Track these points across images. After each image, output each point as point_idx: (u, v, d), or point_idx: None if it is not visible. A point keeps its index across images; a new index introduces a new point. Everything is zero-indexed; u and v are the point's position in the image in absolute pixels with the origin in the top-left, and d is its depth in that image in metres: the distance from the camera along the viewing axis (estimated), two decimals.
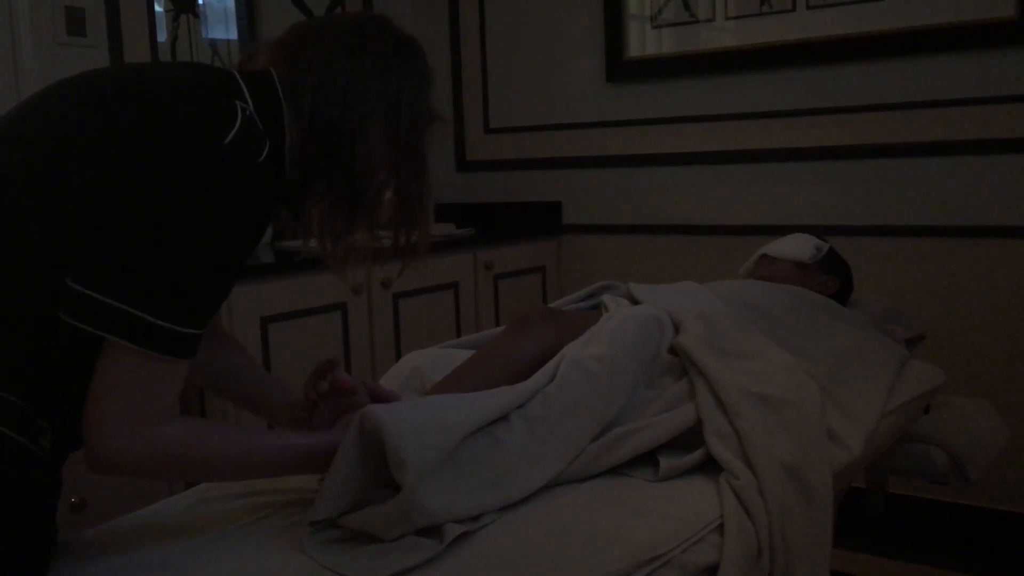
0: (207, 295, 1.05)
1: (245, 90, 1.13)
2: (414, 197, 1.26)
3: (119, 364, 1.00)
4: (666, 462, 1.41)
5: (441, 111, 1.31)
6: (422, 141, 1.26)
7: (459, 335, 2.92)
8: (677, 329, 1.63)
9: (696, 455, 1.42)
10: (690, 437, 1.46)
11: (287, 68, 1.18)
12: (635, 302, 1.78)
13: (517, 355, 1.57)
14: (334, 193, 1.21)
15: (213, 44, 3.00)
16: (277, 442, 1.18)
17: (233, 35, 3.07)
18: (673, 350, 1.59)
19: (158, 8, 2.80)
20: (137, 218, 0.99)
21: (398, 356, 2.67)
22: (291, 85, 1.16)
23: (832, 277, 2.22)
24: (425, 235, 1.29)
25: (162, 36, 2.80)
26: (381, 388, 1.39)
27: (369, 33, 1.22)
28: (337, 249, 1.24)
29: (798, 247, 2.24)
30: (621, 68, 3.24)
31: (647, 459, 1.44)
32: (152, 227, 1.00)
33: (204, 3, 2.96)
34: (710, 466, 1.42)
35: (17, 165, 1.05)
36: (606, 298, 1.78)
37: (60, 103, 1.10)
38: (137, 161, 1.02)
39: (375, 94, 1.19)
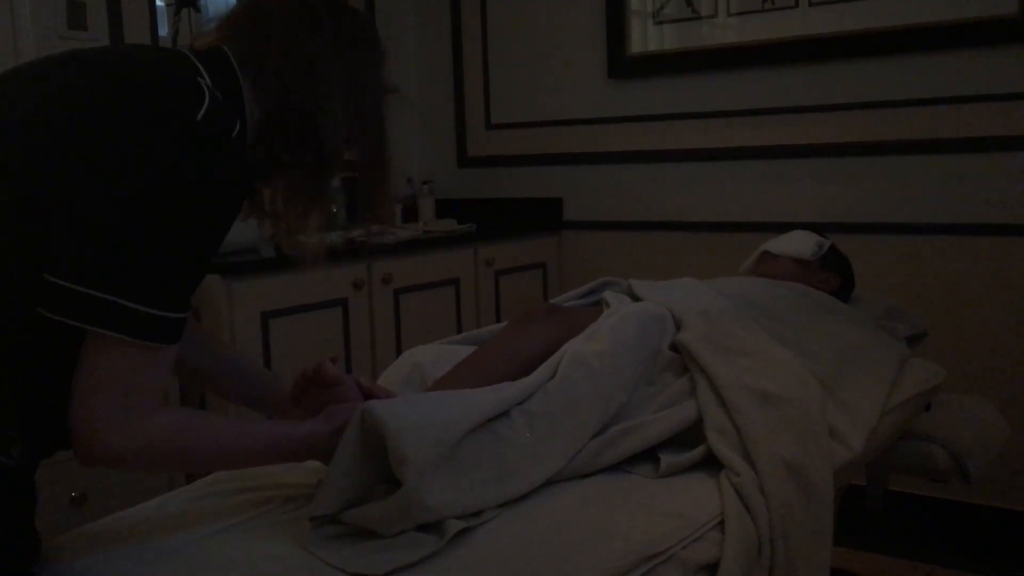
0: (186, 277, 1.04)
1: (201, 68, 1.11)
2: (377, 168, 1.26)
3: (104, 356, 0.99)
4: (667, 459, 1.41)
5: (396, 85, 1.31)
6: (382, 113, 1.26)
7: (460, 331, 2.91)
8: (678, 326, 1.62)
9: (697, 452, 1.42)
10: (691, 434, 1.46)
11: (242, 45, 1.16)
12: (636, 299, 1.77)
13: (519, 351, 1.57)
14: (301, 168, 1.19)
15: None
16: (262, 431, 1.18)
17: None
18: (674, 347, 1.59)
19: (159, 2, 2.80)
20: (111, 204, 0.98)
21: (399, 352, 2.66)
22: (249, 61, 1.15)
23: (833, 274, 2.22)
24: (388, 206, 1.30)
25: (163, 30, 2.79)
26: (377, 387, 1.38)
27: (322, 9, 1.21)
28: (301, 225, 1.22)
29: (800, 244, 2.24)
30: (623, 64, 3.24)
31: (648, 456, 1.44)
32: (127, 212, 0.98)
33: None
34: (711, 463, 1.41)
35: None
36: (607, 295, 1.78)
37: (19, 91, 1.07)
38: (107, 145, 0.99)
39: (336, 68, 1.19)
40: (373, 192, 1.27)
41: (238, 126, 1.07)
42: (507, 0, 3.50)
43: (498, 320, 3.04)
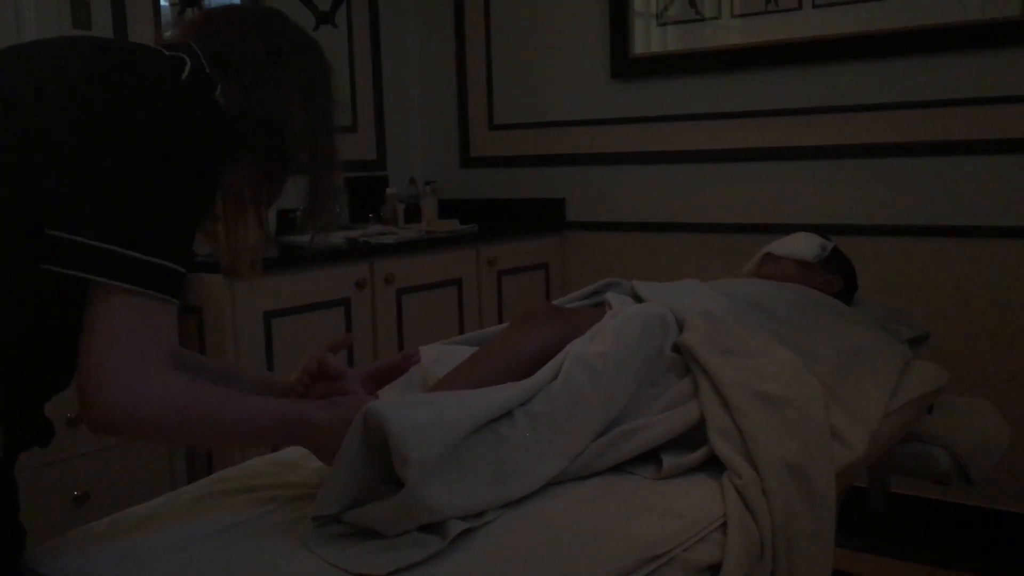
0: (183, 228, 1.06)
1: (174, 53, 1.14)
2: (325, 177, 1.27)
3: (110, 310, 0.99)
4: (669, 460, 1.41)
5: (344, 100, 1.37)
6: (332, 122, 1.28)
7: (462, 331, 2.92)
8: (681, 327, 1.62)
9: (699, 453, 1.42)
10: (693, 435, 1.45)
11: (207, 44, 1.18)
12: (639, 300, 1.77)
13: (521, 352, 1.57)
14: (262, 167, 1.22)
15: None
16: (271, 406, 1.17)
17: None
18: (677, 348, 1.59)
19: (163, 1, 2.80)
20: (108, 157, 1.00)
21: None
22: (216, 58, 1.17)
23: (836, 276, 2.22)
24: (332, 213, 1.31)
25: (166, 29, 2.80)
26: (398, 359, 1.40)
27: (277, 22, 1.26)
28: (242, 232, 1.25)
29: (802, 246, 2.24)
30: (626, 65, 3.24)
31: (650, 457, 1.44)
32: (125, 165, 1.00)
33: None
34: (713, 464, 1.41)
35: None
36: (610, 295, 1.78)
37: (10, 65, 1.10)
38: (101, 105, 1.03)
39: (294, 71, 1.22)
40: (319, 199, 1.28)
41: (218, 89, 1.12)
42: (510, 1, 3.50)
43: (500, 320, 3.04)
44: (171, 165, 1.02)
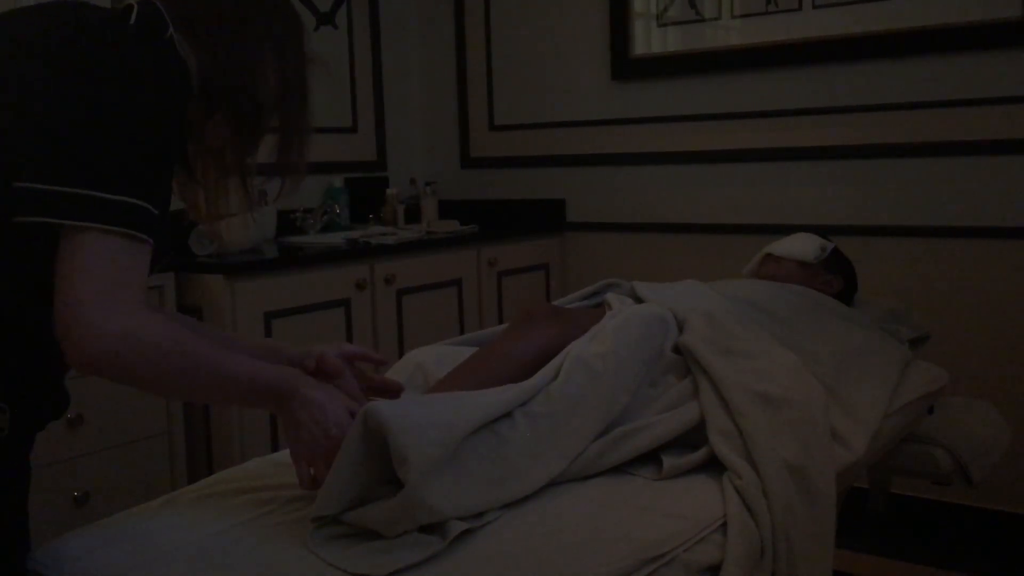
0: (148, 166, 1.06)
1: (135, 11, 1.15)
2: (296, 132, 1.26)
3: (79, 248, 1.00)
4: (669, 461, 1.41)
5: (325, 59, 1.34)
6: (305, 80, 1.27)
7: (462, 332, 2.92)
8: (681, 328, 1.62)
9: (699, 454, 1.42)
10: (693, 436, 1.46)
11: (174, 6, 1.17)
12: (639, 301, 1.77)
13: (520, 352, 1.57)
14: (233, 125, 1.20)
15: None
16: (256, 365, 1.16)
17: None
18: (677, 349, 1.59)
19: None
20: (61, 104, 1.02)
21: (401, 352, 2.67)
22: (181, 18, 1.15)
23: (836, 276, 2.22)
24: (302, 172, 1.29)
25: None
26: (385, 380, 1.39)
27: None
28: (221, 194, 1.24)
29: (803, 246, 2.24)
30: (626, 66, 3.24)
31: (650, 458, 1.44)
32: (77, 108, 1.02)
33: None
34: (713, 465, 1.41)
35: None
36: (610, 296, 1.78)
37: None
38: (55, 55, 1.05)
39: (263, 27, 1.21)
40: (289, 152, 1.26)
41: (169, 28, 1.11)
42: (511, 2, 3.50)
43: (500, 321, 3.05)
44: (125, 104, 1.03)
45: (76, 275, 0.99)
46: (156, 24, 1.10)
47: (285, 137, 1.25)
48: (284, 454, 1.54)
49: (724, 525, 1.28)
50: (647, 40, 3.21)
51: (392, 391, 1.41)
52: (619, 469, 1.41)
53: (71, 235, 1.00)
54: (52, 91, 1.03)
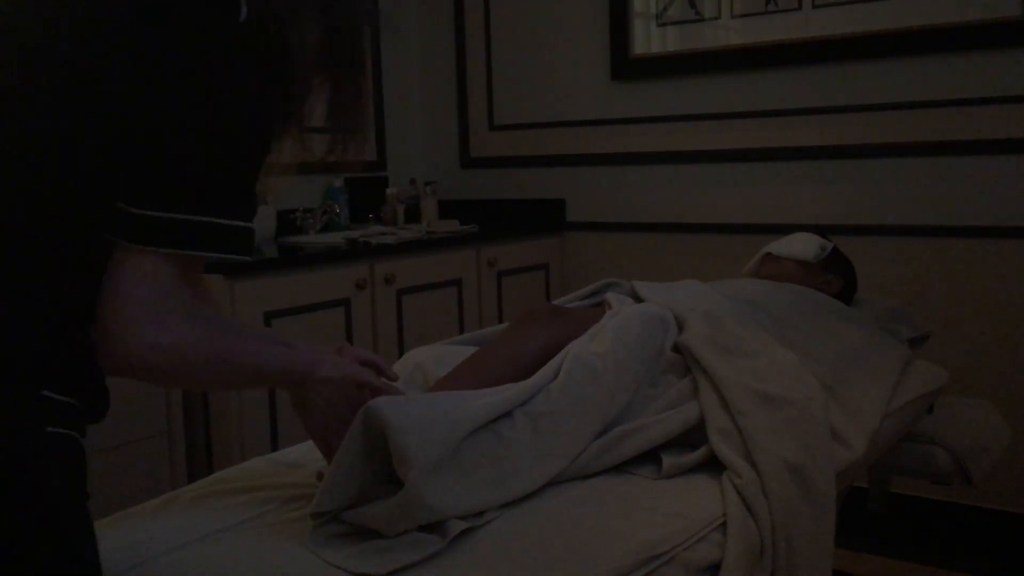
0: (254, 185, 1.02)
1: None
2: (350, 82, 1.17)
3: (149, 264, 0.94)
4: (669, 460, 1.41)
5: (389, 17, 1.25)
6: (359, 38, 1.18)
7: (462, 332, 2.92)
8: (681, 327, 1.62)
9: (699, 453, 1.42)
10: (693, 435, 1.46)
11: None
12: (639, 300, 1.77)
13: (520, 352, 1.57)
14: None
15: None
16: (271, 357, 1.16)
17: None
18: (677, 348, 1.59)
19: None
20: (183, 122, 0.94)
21: (401, 352, 2.67)
22: None
23: (836, 276, 2.22)
24: (364, 122, 1.22)
25: None
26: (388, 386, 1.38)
27: None
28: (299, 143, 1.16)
29: (802, 246, 2.24)
30: (626, 66, 3.24)
31: (650, 457, 1.44)
32: (201, 128, 0.95)
33: None
34: (713, 464, 1.41)
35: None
36: (610, 296, 1.78)
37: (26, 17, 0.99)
38: (162, 60, 0.95)
39: None
40: (344, 104, 1.16)
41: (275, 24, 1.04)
42: (510, 1, 3.50)
43: (500, 321, 3.05)
44: (241, 126, 0.98)
45: (134, 288, 0.95)
46: (266, 17, 1.01)
47: (338, 91, 1.14)
48: (284, 453, 1.54)
49: (724, 524, 1.28)
50: (647, 40, 3.22)
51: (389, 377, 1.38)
52: (619, 468, 1.42)
53: (150, 253, 0.94)
54: (164, 103, 0.94)
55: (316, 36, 1.11)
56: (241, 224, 0.98)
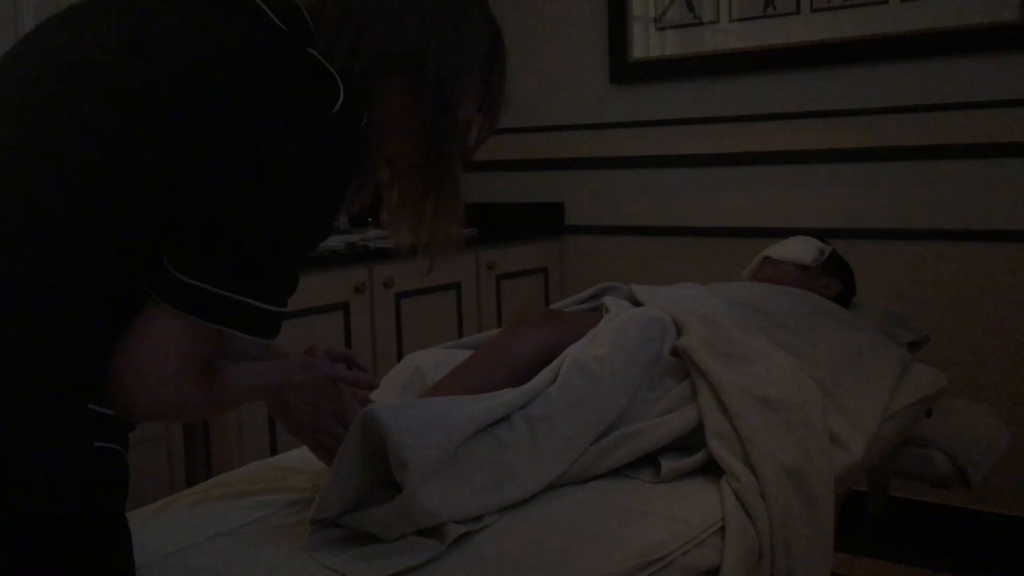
0: (298, 266, 1.01)
1: (282, 26, 0.99)
2: (437, 165, 1.15)
3: (178, 327, 0.94)
4: (667, 464, 1.41)
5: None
6: (504, 89, 1.13)
7: (461, 335, 2.92)
8: (679, 331, 1.62)
9: (697, 457, 1.42)
10: (691, 439, 1.46)
11: None
12: (637, 304, 1.78)
13: (512, 355, 1.57)
14: (418, 147, 1.12)
15: None
16: (250, 379, 1.15)
17: None
18: (675, 352, 1.59)
19: None
20: (255, 206, 0.93)
21: (400, 356, 2.67)
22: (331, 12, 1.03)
23: (835, 280, 2.22)
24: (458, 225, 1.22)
25: None
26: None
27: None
28: (439, 222, 1.18)
29: (801, 250, 2.24)
30: (625, 69, 3.24)
31: (648, 461, 1.44)
32: (271, 215, 0.94)
33: None
34: (711, 468, 1.42)
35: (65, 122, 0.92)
36: (608, 299, 1.78)
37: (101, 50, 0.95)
38: (247, 140, 0.92)
39: (473, 16, 1.08)
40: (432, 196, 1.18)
41: (366, 117, 1.01)
42: (509, 4, 3.50)
43: (499, 325, 3.04)
44: (309, 220, 0.97)
45: (156, 347, 0.94)
46: (357, 113, 0.99)
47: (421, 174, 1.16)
48: (283, 458, 1.54)
49: (722, 528, 1.28)
50: (645, 43, 3.22)
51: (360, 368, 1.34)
52: (617, 472, 1.42)
53: (182, 318, 0.94)
54: (239, 183, 0.92)
55: (400, 96, 1.08)
56: (275, 310, 0.97)
